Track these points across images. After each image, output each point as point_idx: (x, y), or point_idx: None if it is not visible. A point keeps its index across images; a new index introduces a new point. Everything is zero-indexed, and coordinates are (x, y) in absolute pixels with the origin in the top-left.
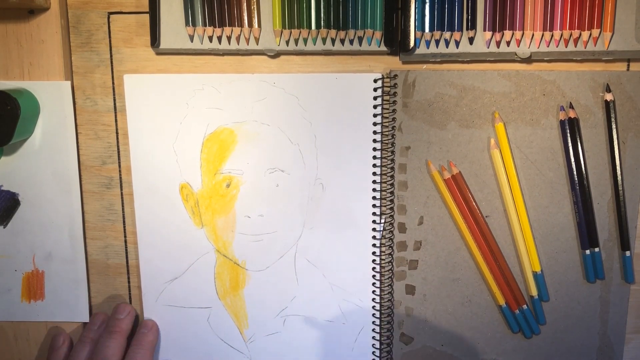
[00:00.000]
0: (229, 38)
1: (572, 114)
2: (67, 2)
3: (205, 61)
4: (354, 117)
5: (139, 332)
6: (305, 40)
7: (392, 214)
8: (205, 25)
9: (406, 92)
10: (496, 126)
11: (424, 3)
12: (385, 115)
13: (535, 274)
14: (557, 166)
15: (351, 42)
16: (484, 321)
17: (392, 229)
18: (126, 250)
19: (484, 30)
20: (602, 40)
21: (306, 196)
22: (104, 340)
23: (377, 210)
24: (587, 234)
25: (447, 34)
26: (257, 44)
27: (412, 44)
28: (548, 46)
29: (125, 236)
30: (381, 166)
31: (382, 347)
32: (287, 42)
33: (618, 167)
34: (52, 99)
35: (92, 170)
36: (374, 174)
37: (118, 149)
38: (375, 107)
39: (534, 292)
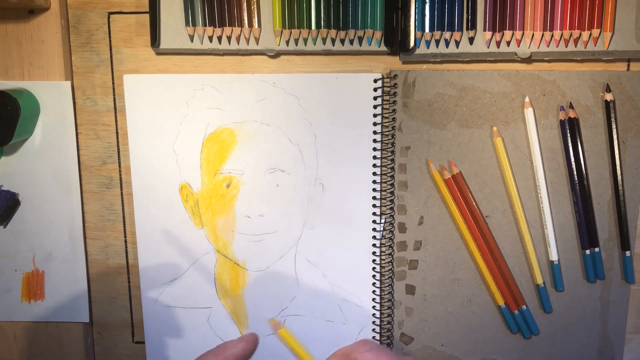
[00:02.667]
0: (229, 38)
1: (572, 114)
2: (67, 2)
3: (205, 61)
4: (354, 117)
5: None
6: (305, 40)
7: (392, 214)
8: (205, 25)
9: (406, 92)
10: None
11: (424, 3)
12: (385, 115)
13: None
14: (557, 166)
15: (351, 42)
16: (484, 321)
17: (392, 229)
18: (126, 250)
19: (484, 30)
20: (602, 40)
21: (306, 196)
22: None
23: (377, 210)
24: (587, 234)
25: (447, 34)
26: (257, 44)
27: (412, 44)
28: (548, 46)
29: (125, 236)
30: (381, 166)
31: None
32: (287, 42)
33: (618, 167)
34: (52, 99)
35: (92, 170)
36: (374, 174)
37: (118, 149)
38: (375, 107)
39: (539, 280)
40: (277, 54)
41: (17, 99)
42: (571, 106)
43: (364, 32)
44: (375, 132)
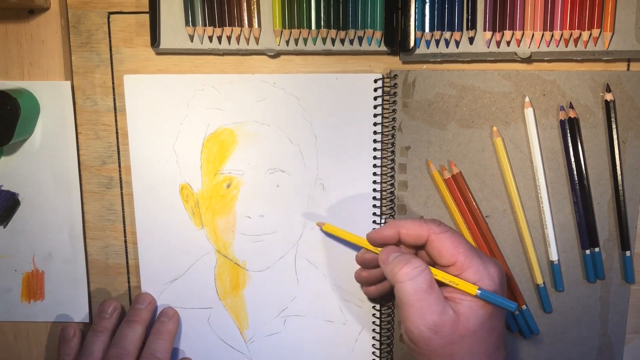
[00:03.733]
0: (229, 38)
1: (572, 114)
2: (67, 2)
3: (205, 61)
4: (354, 117)
5: (159, 321)
6: (305, 40)
7: (392, 214)
8: (205, 25)
9: (406, 92)
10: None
11: (424, 3)
12: (385, 115)
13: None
14: (557, 166)
15: (351, 42)
16: None
17: None
18: (126, 250)
19: (484, 30)
20: (602, 40)
21: (306, 196)
22: (123, 329)
23: (377, 211)
24: (587, 234)
25: (447, 34)
26: (257, 44)
27: (412, 44)
28: (548, 46)
29: (125, 236)
30: (381, 166)
31: (382, 347)
32: (287, 42)
33: (618, 167)
34: (52, 99)
35: (92, 170)
36: (374, 174)
37: (118, 149)
38: (375, 107)
39: (539, 280)
40: (277, 54)
41: (17, 99)
42: (571, 106)
43: (364, 32)
44: (375, 132)
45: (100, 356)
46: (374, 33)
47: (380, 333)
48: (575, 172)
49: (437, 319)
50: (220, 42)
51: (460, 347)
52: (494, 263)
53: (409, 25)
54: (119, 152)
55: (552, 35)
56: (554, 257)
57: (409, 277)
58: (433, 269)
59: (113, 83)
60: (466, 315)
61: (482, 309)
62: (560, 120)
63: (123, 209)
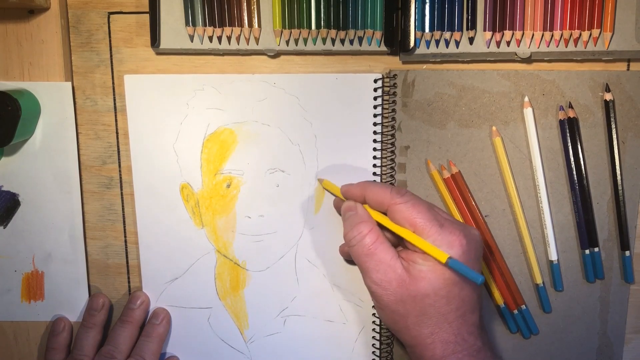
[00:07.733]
0: (229, 38)
1: (571, 114)
2: (67, 2)
3: (205, 61)
4: (354, 117)
5: (149, 323)
6: (305, 40)
7: None
8: (205, 25)
9: (406, 91)
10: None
11: (424, 3)
12: (385, 115)
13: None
14: (557, 166)
15: (351, 42)
16: (484, 321)
17: None
18: (126, 250)
19: (484, 30)
20: (602, 40)
21: (306, 196)
22: (117, 328)
23: None
24: (587, 234)
25: (447, 34)
26: (257, 44)
27: (412, 44)
28: (548, 46)
29: (125, 236)
30: (381, 166)
31: (382, 347)
32: (287, 42)
33: (618, 167)
34: (53, 99)
35: (92, 170)
36: (374, 173)
37: (118, 149)
38: (375, 107)
39: (538, 280)
40: (277, 54)
41: (18, 99)
42: (571, 106)
43: (364, 32)
44: (375, 132)
45: (91, 351)
46: (374, 33)
47: (380, 333)
48: (574, 172)
49: (381, 276)
50: (220, 42)
51: (413, 307)
52: (460, 232)
53: (409, 25)
54: (119, 152)
55: (552, 35)
56: (553, 257)
57: (354, 242)
58: (406, 232)
59: (113, 83)
60: (416, 278)
61: (433, 274)
62: (560, 120)
63: (123, 209)
